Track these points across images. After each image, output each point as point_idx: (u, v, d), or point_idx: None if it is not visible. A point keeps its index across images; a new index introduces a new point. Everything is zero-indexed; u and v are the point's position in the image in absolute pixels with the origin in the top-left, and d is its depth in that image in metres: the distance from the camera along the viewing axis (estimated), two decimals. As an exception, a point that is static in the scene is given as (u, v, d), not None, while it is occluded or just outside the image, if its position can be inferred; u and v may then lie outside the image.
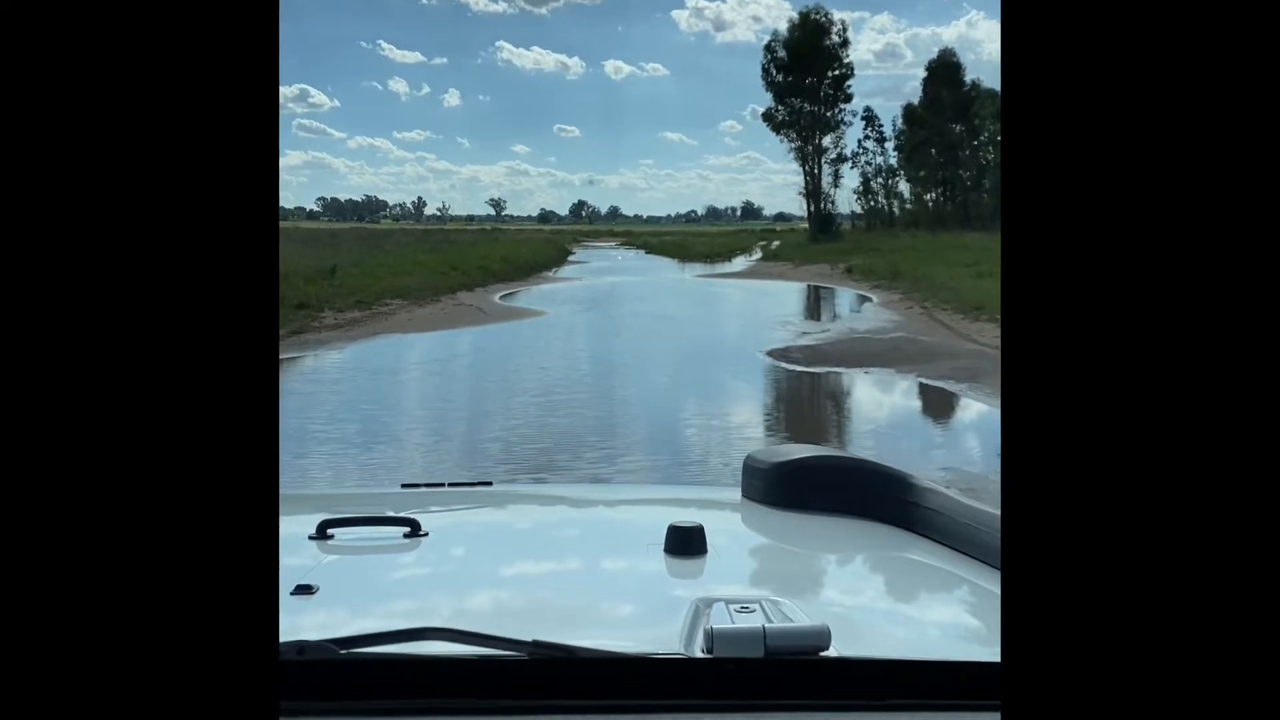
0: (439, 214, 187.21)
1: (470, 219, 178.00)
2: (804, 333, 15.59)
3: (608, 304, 22.02)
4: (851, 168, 58.95)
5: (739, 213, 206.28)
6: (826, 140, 55.83)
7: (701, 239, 65.04)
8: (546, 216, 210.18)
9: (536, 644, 0.88)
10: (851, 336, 14.78)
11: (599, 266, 39.56)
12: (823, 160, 55.84)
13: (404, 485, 1.91)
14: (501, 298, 22.74)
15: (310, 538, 1.38)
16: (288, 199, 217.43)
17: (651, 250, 56.11)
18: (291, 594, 1.12)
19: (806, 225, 59.02)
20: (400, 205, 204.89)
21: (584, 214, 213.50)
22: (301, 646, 0.85)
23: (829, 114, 55.31)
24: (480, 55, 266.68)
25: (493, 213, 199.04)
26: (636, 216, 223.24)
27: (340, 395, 10.35)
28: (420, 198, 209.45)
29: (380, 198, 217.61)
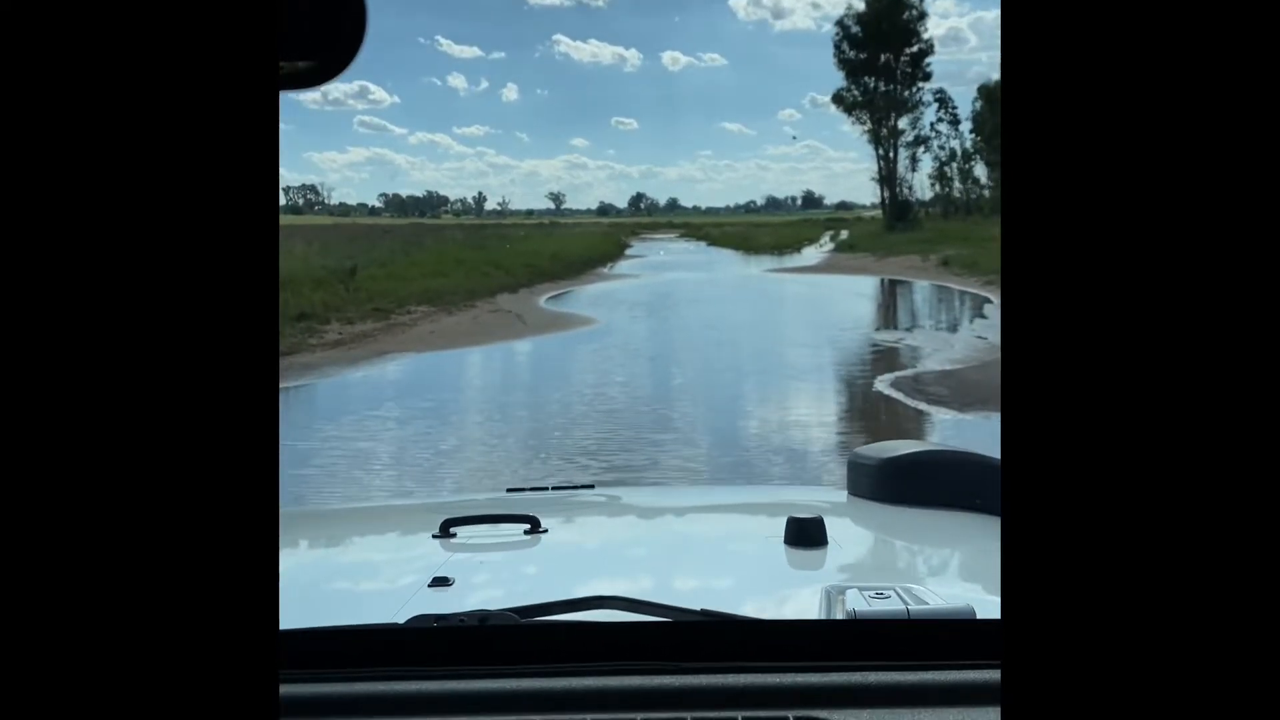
0: (499, 208, 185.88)
1: (530, 213, 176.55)
2: (927, 350, 11.91)
3: (669, 308, 18.67)
4: (924, 151, 54.76)
5: (799, 202, 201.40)
6: (903, 122, 51.92)
7: (764, 229, 61.65)
8: (605, 209, 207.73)
9: (705, 612, 0.95)
10: (996, 356, 11.05)
11: (658, 261, 36.25)
12: (898, 143, 51.93)
13: (509, 490, 1.95)
14: (547, 300, 19.61)
15: (434, 536, 1.43)
16: (350, 195, 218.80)
17: (713, 242, 53.00)
18: (429, 586, 1.19)
19: (874, 213, 55.22)
20: (461, 200, 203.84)
21: (642, 206, 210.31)
22: (484, 615, 0.91)
23: (906, 94, 51.29)
24: (538, 49, 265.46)
25: (552, 206, 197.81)
26: (695, 208, 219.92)
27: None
28: (480, 192, 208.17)
29: (441, 193, 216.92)
